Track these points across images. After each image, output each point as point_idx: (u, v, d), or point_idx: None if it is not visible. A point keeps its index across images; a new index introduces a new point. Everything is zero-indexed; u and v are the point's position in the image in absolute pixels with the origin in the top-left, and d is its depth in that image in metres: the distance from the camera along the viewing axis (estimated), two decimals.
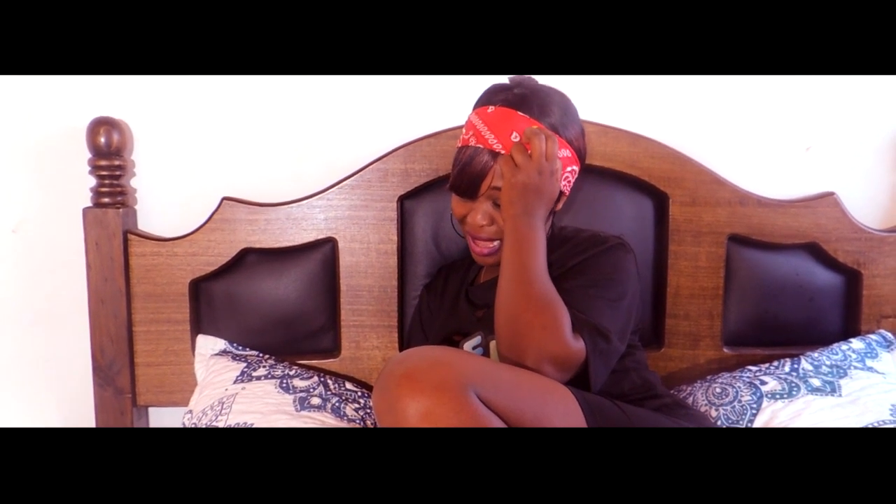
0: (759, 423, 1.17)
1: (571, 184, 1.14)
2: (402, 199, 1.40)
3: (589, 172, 1.38)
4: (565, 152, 1.09)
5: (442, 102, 1.41)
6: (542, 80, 1.17)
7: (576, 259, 1.10)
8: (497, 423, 0.84)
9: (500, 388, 0.87)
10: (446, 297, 1.32)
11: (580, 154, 1.14)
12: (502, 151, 1.06)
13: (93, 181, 1.36)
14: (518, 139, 1.06)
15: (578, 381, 1.00)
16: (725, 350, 1.44)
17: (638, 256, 1.38)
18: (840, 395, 1.20)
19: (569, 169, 1.11)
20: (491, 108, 1.09)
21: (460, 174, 1.10)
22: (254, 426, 1.15)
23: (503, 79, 1.17)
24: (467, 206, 1.12)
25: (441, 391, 0.82)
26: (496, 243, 1.12)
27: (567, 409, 0.91)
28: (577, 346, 0.99)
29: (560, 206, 1.14)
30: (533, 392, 0.90)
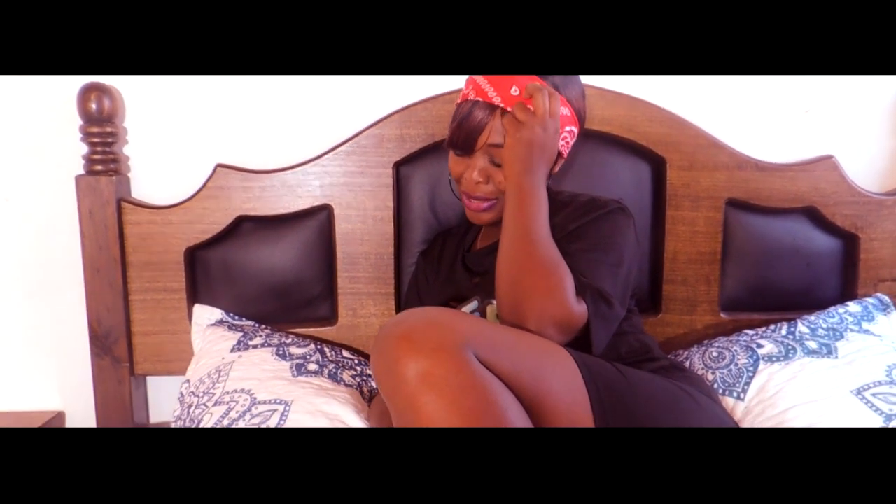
0: (755, 386, 1.17)
1: (570, 145, 1.13)
2: (398, 165, 1.39)
3: (586, 137, 1.36)
4: (565, 111, 1.08)
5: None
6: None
7: (576, 223, 1.09)
8: (496, 384, 0.83)
9: (499, 349, 0.87)
10: (443, 264, 1.31)
11: (580, 115, 1.13)
12: (501, 105, 1.05)
13: (85, 148, 1.35)
14: (519, 94, 1.05)
15: (577, 343, 0.99)
16: (723, 315, 1.44)
17: (636, 222, 1.39)
18: (836, 358, 1.20)
19: (567, 129, 1.10)
20: None
21: (458, 128, 1.08)
22: (251, 392, 1.15)
23: None
24: (464, 164, 1.11)
25: (439, 352, 0.81)
26: (492, 201, 1.12)
27: (565, 370, 0.90)
28: (580, 309, 0.98)
29: (557, 168, 1.13)
30: (531, 353, 0.90)
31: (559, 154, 1.11)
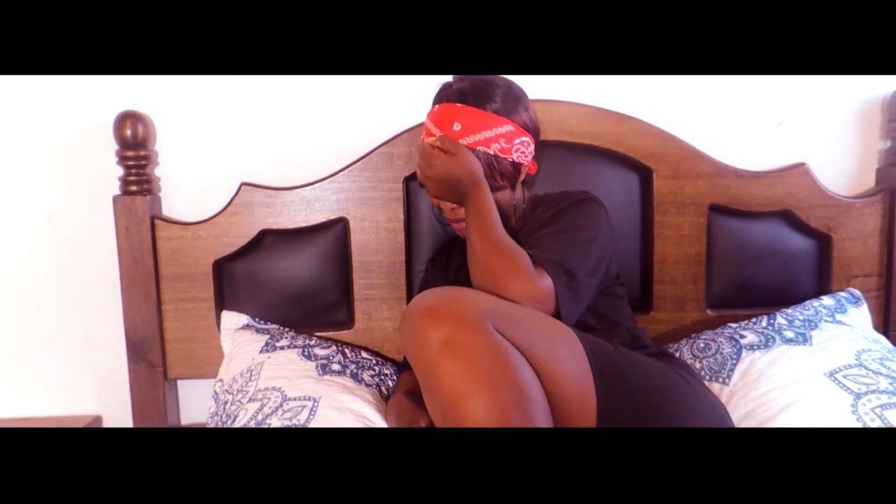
0: (738, 371, 1.29)
1: (529, 153, 1.26)
2: (407, 180, 1.51)
3: (579, 151, 1.49)
4: (508, 128, 1.22)
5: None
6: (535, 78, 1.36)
7: (550, 213, 1.23)
8: (510, 350, 0.93)
9: (515, 322, 0.97)
10: (450, 271, 1.42)
11: (527, 126, 1.25)
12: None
13: (120, 171, 1.46)
14: (461, 128, 1.20)
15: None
16: (709, 312, 1.55)
17: (626, 227, 1.52)
18: (811, 345, 1.31)
19: (517, 141, 1.23)
20: (436, 107, 1.26)
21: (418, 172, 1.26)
22: (282, 389, 1.26)
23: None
24: (436, 199, 1.27)
25: (460, 320, 0.92)
26: None
27: (571, 343, 1.02)
28: (543, 281, 1.09)
29: (523, 176, 1.27)
30: (543, 329, 1.01)
31: (520, 165, 1.25)
